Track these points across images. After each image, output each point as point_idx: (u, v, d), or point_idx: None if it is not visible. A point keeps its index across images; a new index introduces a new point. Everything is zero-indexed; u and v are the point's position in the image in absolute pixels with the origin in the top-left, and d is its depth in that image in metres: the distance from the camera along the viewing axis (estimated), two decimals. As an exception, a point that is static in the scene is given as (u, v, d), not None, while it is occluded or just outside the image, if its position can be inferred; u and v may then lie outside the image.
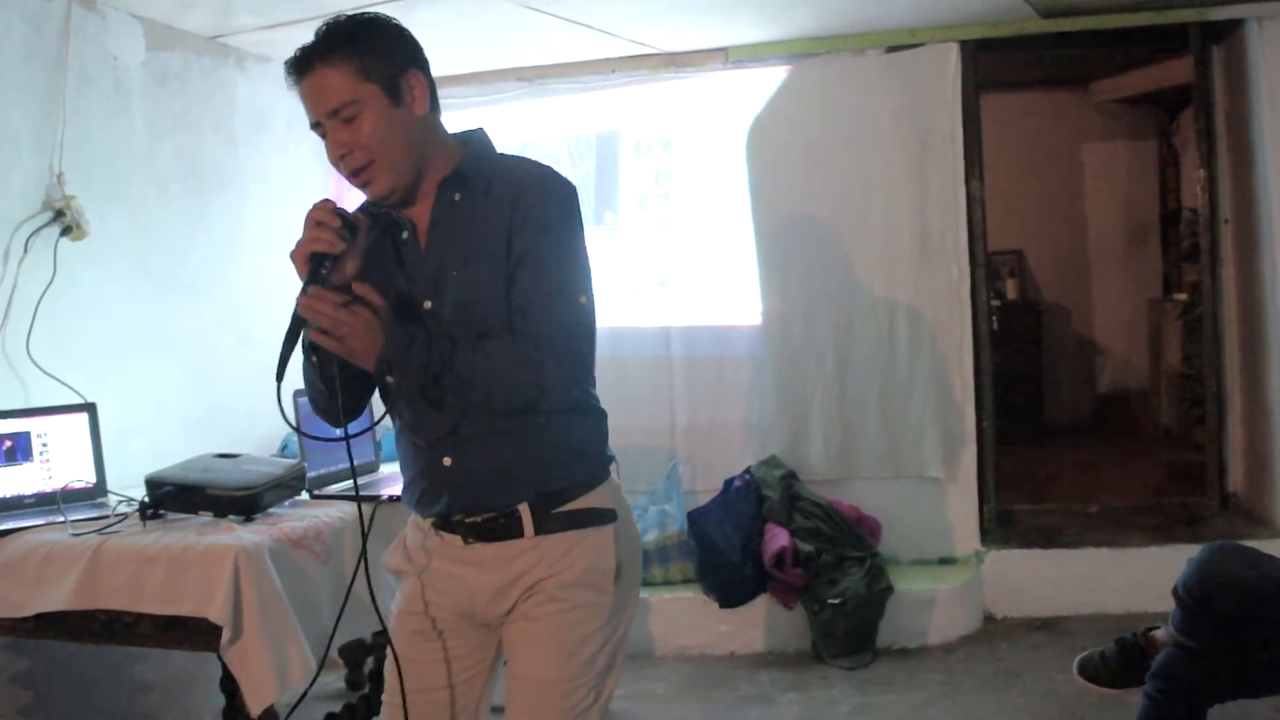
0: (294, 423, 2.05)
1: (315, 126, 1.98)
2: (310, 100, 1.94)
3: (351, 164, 1.95)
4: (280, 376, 1.94)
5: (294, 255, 1.95)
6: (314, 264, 1.93)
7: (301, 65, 1.93)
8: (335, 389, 2.07)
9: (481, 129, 2.13)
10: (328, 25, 1.95)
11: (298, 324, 1.95)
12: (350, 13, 1.99)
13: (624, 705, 4.03)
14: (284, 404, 2.02)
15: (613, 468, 2.13)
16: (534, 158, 2.13)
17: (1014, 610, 4.71)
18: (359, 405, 2.17)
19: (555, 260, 1.97)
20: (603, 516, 2.05)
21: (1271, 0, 4.54)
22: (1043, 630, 4.55)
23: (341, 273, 1.95)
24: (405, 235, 2.05)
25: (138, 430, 3.66)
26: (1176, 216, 7.67)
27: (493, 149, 2.11)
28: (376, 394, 2.18)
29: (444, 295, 1.99)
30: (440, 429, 2.01)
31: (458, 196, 2.01)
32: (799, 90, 4.90)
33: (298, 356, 2.01)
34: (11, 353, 3.32)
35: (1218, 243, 4.99)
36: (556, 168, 2.07)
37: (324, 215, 1.93)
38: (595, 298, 2.02)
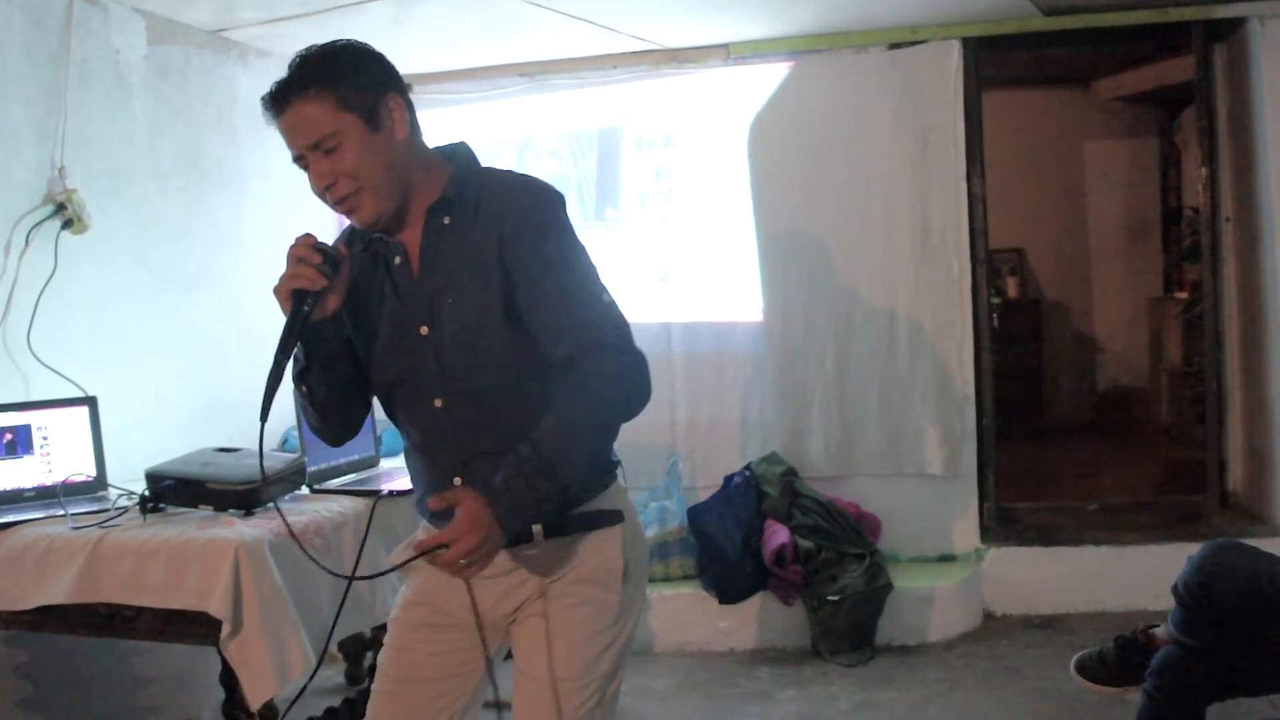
0: (262, 461, 2.06)
1: (297, 160, 1.97)
2: (290, 135, 1.94)
3: (336, 194, 1.95)
4: (264, 416, 1.95)
5: (277, 292, 1.95)
6: (296, 301, 1.94)
7: (278, 101, 1.93)
8: (326, 416, 2.13)
9: (464, 143, 2.12)
10: (300, 58, 1.94)
11: (281, 363, 1.96)
12: (320, 43, 1.97)
13: (624, 701, 3.99)
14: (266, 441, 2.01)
15: (619, 472, 2.13)
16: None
17: (1013, 608, 4.72)
18: (353, 429, 2.21)
19: (567, 277, 1.97)
20: (610, 518, 2.05)
21: (1274, -1, 4.55)
22: (1042, 628, 4.55)
23: (324, 308, 1.96)
24: (398, 261, 2.04)
25: (138, 424, 3.66)
26: (1177, 215, 7.67)
27: (477, 165, 2.09)
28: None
29: (440, 321, 1.99)
30: (447, 450, 2.03)
31: (447, 220, 2.01)
32: (800, 87, 4.90)
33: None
34: (12, 346, 3.32)
35: (1219, 241, 4.98)
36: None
37: (305, 251, 1.94)
38: (611, 292, 2.02)
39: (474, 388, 1.98)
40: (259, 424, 1.94)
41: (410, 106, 2.01)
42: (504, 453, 1.88)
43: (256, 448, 2.00)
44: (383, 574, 2.41)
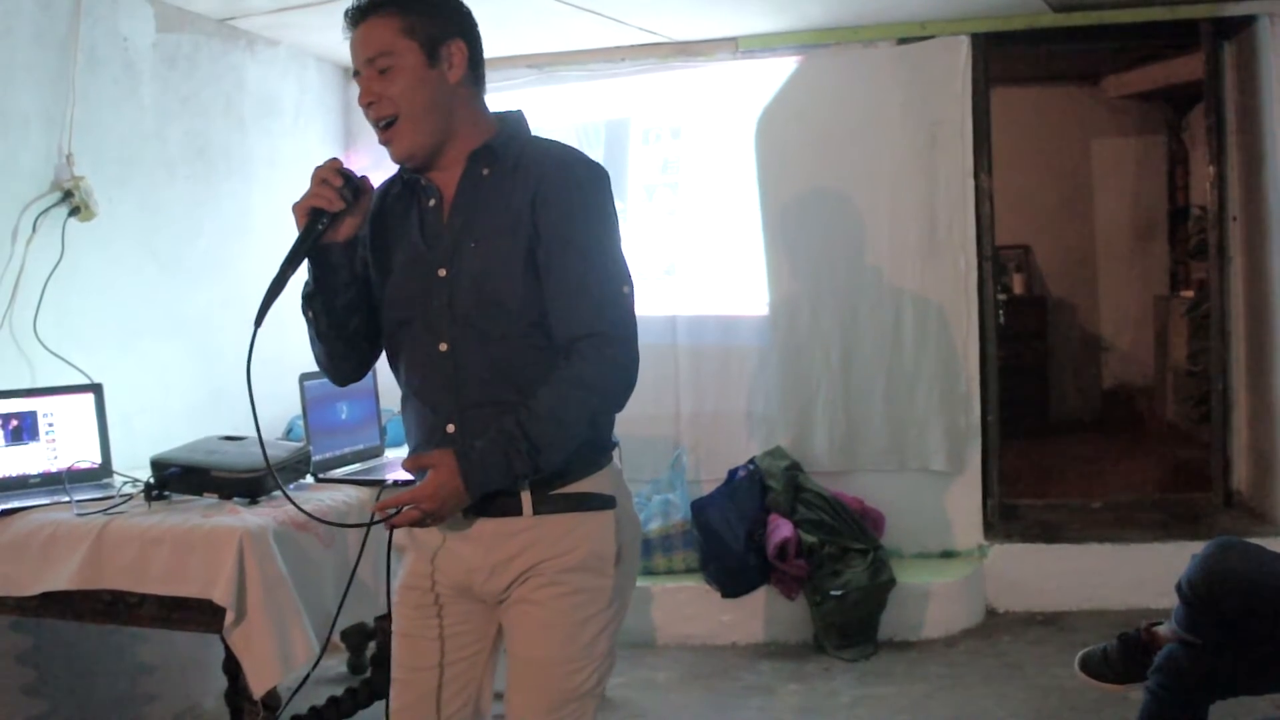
0: (251, 392, 2.00)
1: (356, 75, 2.03)
2: (355, 49, 2.02)
3: (377, 112, 2.00)
4: (259, 322, 1.97)
5: (295, 208, 2.00)
6: (312, 219, 1.98)
7: (355, 16, 2.01)
8: (330, 350, 2.14)
9: (520, 111, 2.16)
10: None
11: (285, 273, 1.98)
12: None
13: (625, 694, 4.04)
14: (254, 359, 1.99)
15: (615, 453, 2.13)
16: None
17: (1016, 604, 4.72)
18: (356, 370, 2.22)
19: (594, 258, 2.00)
20: (602, 501, 2.05)
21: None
22: (1044, 625, 4.55)
23: (337, 231, 2.01)
24: (432, 203, 2.07)
25: (144, 411, 3.67)
26: (1184, 213, 7.66)
27: (527, 130, 2.14)
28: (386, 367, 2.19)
29: (460, 265, 2.01)
30: (445, 396, 2.03)
31: (486, 170, 2.04)
32: (809, 81, 4.89)
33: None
34: (19, 332, 3.32)
35: (1225, 240, 4.97)
36: None
37: (328, 173, 1.99)
38: (634, 285, 2.04)
39: (481, 335, 2.00)
40: (253, 328, 1.96)
41: (477, 59, 2.09)
42: (500, 404, 1.95)
43: (261, 430, 2.00)
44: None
